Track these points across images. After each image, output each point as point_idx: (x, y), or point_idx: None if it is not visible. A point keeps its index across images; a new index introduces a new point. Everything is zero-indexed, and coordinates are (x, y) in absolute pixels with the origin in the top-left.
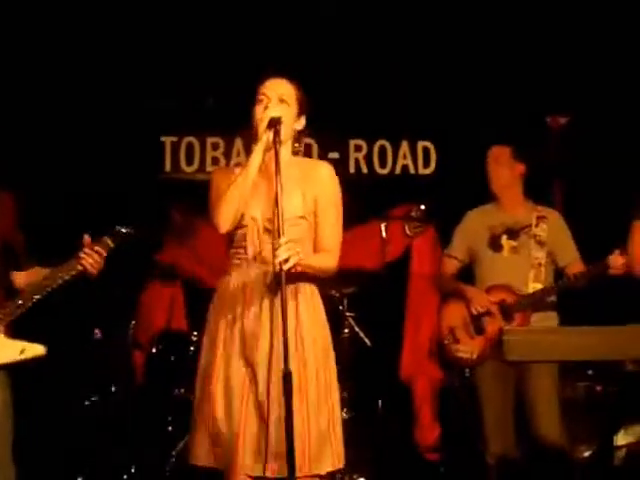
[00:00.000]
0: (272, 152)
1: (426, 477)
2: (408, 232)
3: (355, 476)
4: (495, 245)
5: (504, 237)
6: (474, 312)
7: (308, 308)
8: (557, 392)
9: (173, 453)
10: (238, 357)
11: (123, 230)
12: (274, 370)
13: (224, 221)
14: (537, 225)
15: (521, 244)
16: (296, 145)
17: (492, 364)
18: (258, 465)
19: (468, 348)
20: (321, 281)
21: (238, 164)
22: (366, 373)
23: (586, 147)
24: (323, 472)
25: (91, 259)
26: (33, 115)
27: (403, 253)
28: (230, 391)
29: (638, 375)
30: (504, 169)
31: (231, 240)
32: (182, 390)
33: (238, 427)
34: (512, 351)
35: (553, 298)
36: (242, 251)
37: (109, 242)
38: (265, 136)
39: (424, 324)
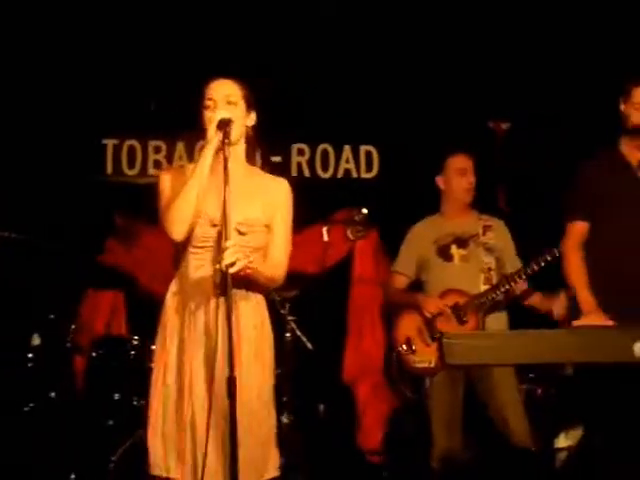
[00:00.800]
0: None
1: None
2: (350, 236)
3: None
4: (445, 255)
5: (453, 246)
6: (427, 315)
7: (253, 312)
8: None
9: (113, 458)
10: (188, 359)
11: None
12: (217, 376)
13: (177, 227)
14: (484, 234)
15: (470, 252)
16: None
17: (443, 374)
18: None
19: (426, 357)
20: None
21: (182, 165)
22: (308, 377)
23: (527, 152)
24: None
25: None
26: None
27: (345, 257)
28: (179, 392)
29: (577, 378)
30: (468, 179)
31: (188, 241)
32: (122, 395)
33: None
34: (452, 355)
35: (501, 297)
36: (202, 251)
37: None
38: (215, 139)
39: (367, 328)
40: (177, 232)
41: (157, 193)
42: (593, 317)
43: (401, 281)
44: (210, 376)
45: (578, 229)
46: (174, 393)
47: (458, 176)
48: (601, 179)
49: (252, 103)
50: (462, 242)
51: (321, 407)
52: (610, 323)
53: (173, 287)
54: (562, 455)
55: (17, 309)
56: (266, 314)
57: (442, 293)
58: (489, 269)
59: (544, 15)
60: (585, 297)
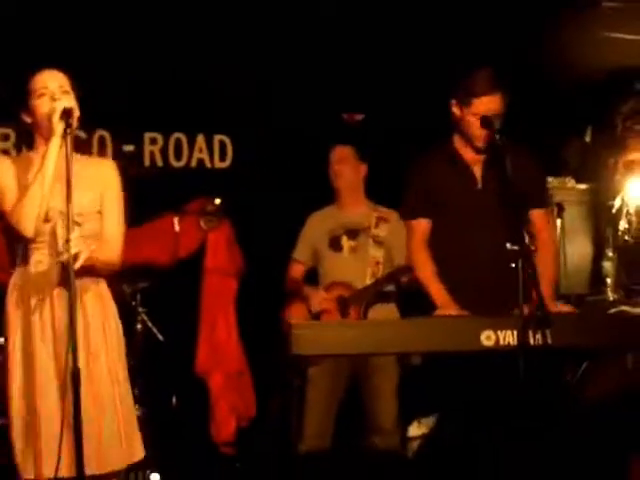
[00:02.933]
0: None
1: (222, 472)
2: (203, 226)
3: (148, 472)
4: (335, 245)
5: (344, 237)
6: (312, 310)
7: (98, 303)
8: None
9: None
10: (37, 354)
11: None
12: (64, 366)
13: (30, 224)
14: (377, 226)
15: (360, 244)
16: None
17: (328, 360)
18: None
19: None
20: (111, 276)
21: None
22: (159, 369)
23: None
24: (117, 468)
25: None
26: None
27: (198, 247)
28: (31, 389)
29: (425, 368)
30: (348, 169)
31: (19, 240)
32: None
33: (39, 428)
34: (299, 345)
35: (391, 289)
36: (43, 245)
37: None
38: (59, 127)
39: (219, 318)
40: (29, 229)
41: None
42: (447, 310)
43: (298, 269)
44: (59, 369)
45: (419, 227)
46: (24, 390)
47: (336, 165)
48: (437, 175)
49: (77, 95)
50: (353, 233)
51: (173, 399)
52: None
53: (13, 282)
54: (414, 444)
55: None
56: (111, 302)
57: (328, 286)
58: (377, 262)
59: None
60: (436, 290)
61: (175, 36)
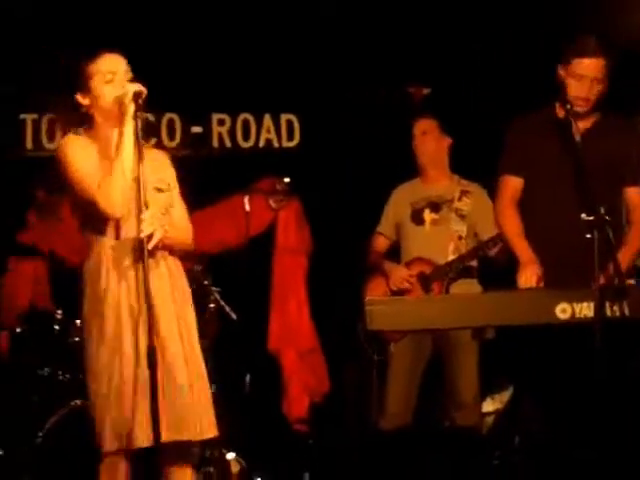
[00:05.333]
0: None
1: (295, 449)
2: (273, 205)
3: (224, 451)
4: (418, 219)
5: (426, 211)
6: (393, 288)
7: (179, 282)
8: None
9: (40, 434)
10: (129, 333)
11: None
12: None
13: (118, 207)
14: (460, 199)
15: (442, 217)
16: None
17: (410, 336)
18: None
19: None
20: (184, 256)
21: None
22: (233, 347)
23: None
24: (196, 439)
25: None
26: None
27: (268, 227)
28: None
29: (499, 342)
30: (430, 142)
31: (97, 218)
32: (47, 369)
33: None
34: (374, 321)
35: (473, 264)
36: (112, 229)
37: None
38: (131, 109)
39: (290, 296)
40: (118, 210)
41: (63, 163)
42: (530, 267)
43: (382, 242)
44: (137, 345)
45: (511, 184)
46: (108, 366)
47: (418, 138)
48: (535, 137)
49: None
50: (435, 206)
51: (247, 377)
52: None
53: (91, 263)
54: (489, 419)
55: None
56: (184, 277)
57: (409, 262)
58: (459, 237)
59: None
60: (522, 247)
61: (240, 16)
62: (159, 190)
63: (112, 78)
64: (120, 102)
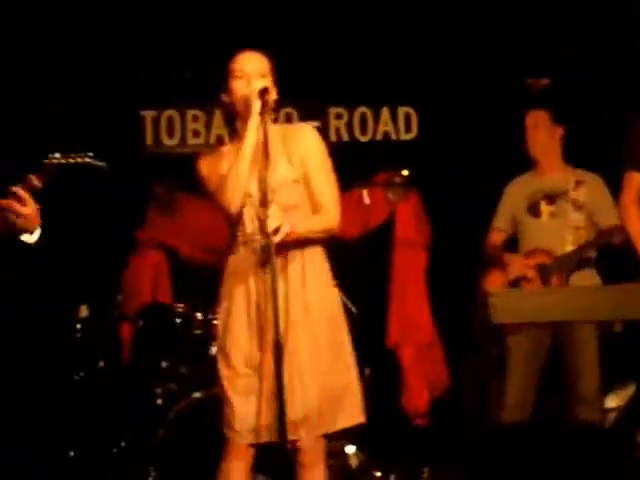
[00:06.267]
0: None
1: (415, 443)
2: (391, 198)
3: (344, 443)
4: (534, 211)
5: (543, 203)
6: (511, 277)
7: (314, 271)
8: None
9: (162, 426)
10: (255, 330)
11: (55, 161)
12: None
13: (235, 205)
14: (575, 189)
15: (559, 209)
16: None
17: (529, 328)
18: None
19: None
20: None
21: (220, 144)
22: (353, 341)
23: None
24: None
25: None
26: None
27: (387, 219)
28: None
29: (628, 336)
30: (542, 134)
31: (230, 218)
32: (169, 363)
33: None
34: (498, 313)
35: (591, 255)
36: (242, 228)
37: (34, 181)
38: (257, 105)
39: (410, 290)
40: (235, 205)
41: (200, 181)
42: None
43: (498, 237)
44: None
45: (637, 180)
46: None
47: (531, 130)
48: None
49: (276, 78)
50: (551, 198)
51: (366, 371)
52: None
53: (226, 268)
54: (612, 416)
55: (64, 283)
56: (326, 265)
57: (528, 252)
58: (577, 227)
59: None
60: None
61: (357, 10)
62: (294, 181)
63: (240, 76)
64: (246, 100)
